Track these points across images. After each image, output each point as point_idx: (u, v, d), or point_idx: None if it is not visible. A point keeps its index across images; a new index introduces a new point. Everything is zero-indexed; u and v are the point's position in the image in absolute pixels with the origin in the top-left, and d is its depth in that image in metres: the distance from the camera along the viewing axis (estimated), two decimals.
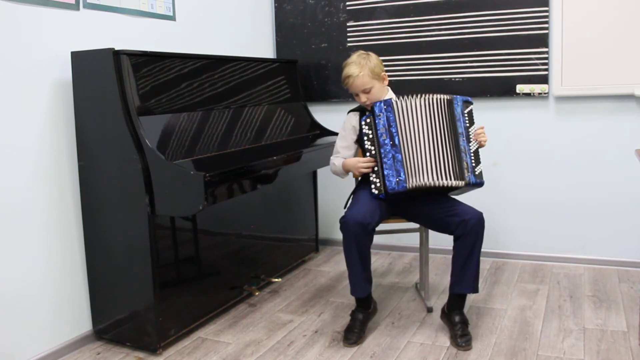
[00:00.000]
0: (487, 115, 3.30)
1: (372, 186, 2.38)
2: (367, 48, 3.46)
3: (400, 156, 2.32)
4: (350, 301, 2.71)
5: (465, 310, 2.49)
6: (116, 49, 2.26)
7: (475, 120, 2.41)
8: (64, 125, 2.35)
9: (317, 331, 2.54)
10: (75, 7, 2.38)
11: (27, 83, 2.20)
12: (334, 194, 3.69)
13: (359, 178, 2.73)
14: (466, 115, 2.38)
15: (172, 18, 2.91)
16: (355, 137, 2.54)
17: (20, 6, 2.16)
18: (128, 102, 2.23)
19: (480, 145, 2.38)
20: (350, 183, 3.03)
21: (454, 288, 2.39)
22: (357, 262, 2.31)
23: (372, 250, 2.37)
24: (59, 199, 2.34)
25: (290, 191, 3.31)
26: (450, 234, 2.36)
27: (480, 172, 2.35)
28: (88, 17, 2.43)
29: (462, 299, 2.40)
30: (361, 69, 2.39)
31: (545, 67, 3.14)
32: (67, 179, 2.37)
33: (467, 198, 2.53)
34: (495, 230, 3.35)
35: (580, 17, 3.04)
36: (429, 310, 2.68)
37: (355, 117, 2.52)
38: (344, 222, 2.27)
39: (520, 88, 3.21)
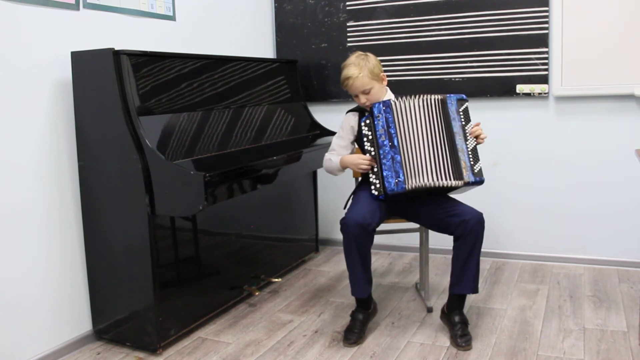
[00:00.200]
0: (487, 115, 3.30)
1: (372, 187, 2.38)
2: (367, 48, 3.47)
3: (399, 157, 2.32)
4: (350, 301, 2.71)
5: (465, 310, 2.49)
6: (116, 49, 2.26)
7: (471, 118, 2.40)
8: (64, 125, 2.35)
9: (317, 331, 2.54)
10: (75, 7, 2.38)
11: (27, 83, 2.20)
12: (334, 194, 3.69)
13: (359, 178, 2.73)
14: (461, 113, 2.37)
15: (172, 18, 2.91)
16: (352, 137, 2.54)
17: (20, 6, 2.16)
18: (128, 102, 2.23)
19: (479, 142, 2.37)
20: (350, 183, 3.04)
21: (453, 288, 2.38)
22: (357, 263, 2.31)
23: (372, 250, 2.37)
24: (59, 199, 2.34)
25: (290, 191, 3.31)
26: (450, 234, 2.36)
27: (480, 169, 2.34)
28: (88, 17, 2.44)
29: (461, 299, 2.40)
30: (360, 70, 2.38)
31: (545, 67, 3.14)
32: (67, 179, 2.37)
33: (467, 198, 2.53)
34: (495, 230, 3.35)
35: (580, 17, 3.04)
36: (429, 310, 2.68)
37: (354, 117, 2.52)
38: (344, 224, 2.27)
39: (520, 88, 3.21)
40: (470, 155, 2.33)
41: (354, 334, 2.39)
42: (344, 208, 2.51)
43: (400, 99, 2.36)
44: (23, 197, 2.20)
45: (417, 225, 2.67)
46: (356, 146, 2.59)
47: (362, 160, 2.37)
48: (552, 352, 2.25)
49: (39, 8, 2.23)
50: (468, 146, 2.34)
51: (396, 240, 3.61)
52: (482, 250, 2.34)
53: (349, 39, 3.58)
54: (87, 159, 2.36)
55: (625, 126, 3.06)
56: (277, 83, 3.26)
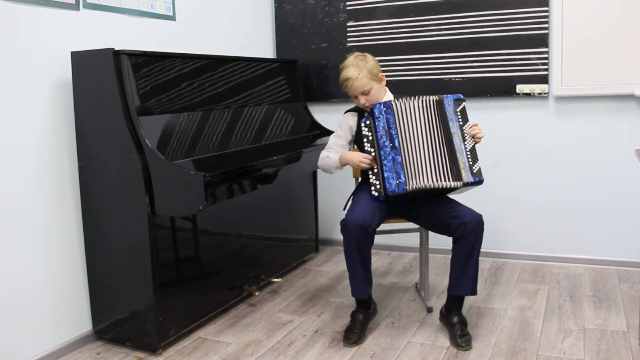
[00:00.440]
0: (487, 115, 3.30)
1: (372, 188, 2.37)
2: (367, 48, 3.47)
3: (400, 158, 2.32)
4: (350, 301, 2.71)
5: (465, 310, 2.49)
6: (116, 49, 2.26)
7: (471, 118, 2.40)
8: (64, 125, 2.35)
9: (317, 331, 2.54)
10: (75, 7, 2.38)
11: (27, 83, 2.20)
12: (334, 194, 3.69)
13: (359, 179, 2.73)
14: (459, 113, 2.37)
15: (172, 18, 2.92)
16: (351, 138, 2.54)
17: (20, 6, 2.16)
18: (128, 102, 2.23)
19: (476, 141, 2.37)
20: (350, 183, 3.04)
21: (452, 290, 2.38)
22: (357, 264, 2.31)
23: (372, 251, 2.36)
24: (59, 199, 2.34)
25: (290, 191, 3.31)
26: (449, 235, 2.36)
27: (479, 169, 2.34)
28: (88, 17, 2.44)
29: (460, 300, 2.40)
30: (359, 71, 2.38)
31: (545, 67, 3.14)
32: (67, 179, 2.37)
33: (466, 198, 2.53)
34: (495, 230, 3.35)
35: (580, 17, 3.04)
36: (429, 310, 2.68)
37: (353, 117, 2.51)
38: (345, 225, 2.27)
39: (520, 88, 3.21)
40: (469, 156, 2.33)
41: (354, 334, 2.39)
42: (344, 209, 2.51)
43: (400, 99, 2.36)
44: (23, 197, 2.20)
45: (417, 225, 2.67)
46: (354, 146, 2.59)
47: (364, 158, 2.37)
48: (552, 352, 2.25)
49: (39, 8, 2.23)
50: (466, 146, 2.34)
51: (396, 240, 3.61)
52: (482, 250, 2.34)
53: (349, 39, 3.58)
54: (87, 159, 2.36)
55: (625, 126, 3.06)
56: (277, 83, 3.26)
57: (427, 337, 2.42)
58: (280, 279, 3.10)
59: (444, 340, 2.38)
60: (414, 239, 3.40)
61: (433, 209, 2.39)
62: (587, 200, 3.20)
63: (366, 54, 2.47)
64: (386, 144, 2.33)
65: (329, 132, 3.36)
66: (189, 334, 2.54)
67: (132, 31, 2.67)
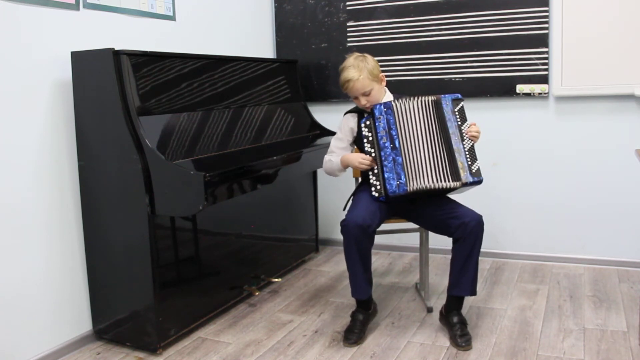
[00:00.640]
0: (487, 115, 3.31)
1: (372, 189, 2.37)
2: (367, 48, 3.47)
3: (400, 159, 2.31)
4: (350, 301, 2.71)
5: (465, 310, 2.49)
6: (116, 49, 2.26)
7: (471, 118, 2.40)
8: (64, 125, 2.35)
9: (317, 331, 2.54)
10: (75, 7, 2.38)
11: (27, 83, 2.20)
12: (334, 194, 3.69)
13: (359, 179, 2.73)
14: (457, 113, 2.36)
15: (172, 18, 2.91)
16: (351, 139, 2.54)
17: (20, 6, 2.16)
18: (128, 102, 2.23)
19: (473, 141, 2.35)
20: (350, 184, 3.03)
21: (452, 290, 2.38)
22: (357, 264, 2.31)
23: (372, 251, 2.36)
24: (59, 199, 2.34)
25: (290, 191, 3.31)
26: (449, 236, 2.36)
27: (478, 169, 2.33)
28: (88, 17, 2.43)
29: (460, 301, 2.40)
30: (360, 72, 2.37)
31: (545, 67, 3.14)
32: (67, 179, 2.37)
33: (467, 199, 2.53)
34: (495, 230, 3.35)
35: (580, 17, 3.04)
36: (429, 310, 2.68)
37: (353, 118, 2.51)
38: (345, 225, 2.27)
39: (520, 88, 3.21)
40: (468, 155, 2.33)
41: (354, 334, 2.39)
42: (344, 209, 2.51)
43: (399, 100, 2.36)
44: (23, 197, 2.20)
45: (417, 225, 2.67)
46: (355, 147, 2.59)
47: (363, 160, 2.37)
48: (552, 352, 2.25)
49: (39, 8, 2.23)
50: (465, 146, 2.33)
51: (396, 240, 3.61)
52: (482, 250, 2.34)
53: (349, 39, 3.58)
54: (87, 159, 2.36)
55: (625, 126, 3.06)
56: (277, 83, 3.26)
57: (427, 337, 2.42)
58: (280, 279, 3.10)
59: (444, 340, 2.38)
60: (414, 239, 3.40)
61: (433, 210, 2.39)
62: (587, 200, 3.20)
63: (366, 54, 2.47)
64: (386, 144, 2.33)
65: (329, 132, 3.37)
66: (189, 334, 2.54)
67: (132, 31, 2.67)
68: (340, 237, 2.32)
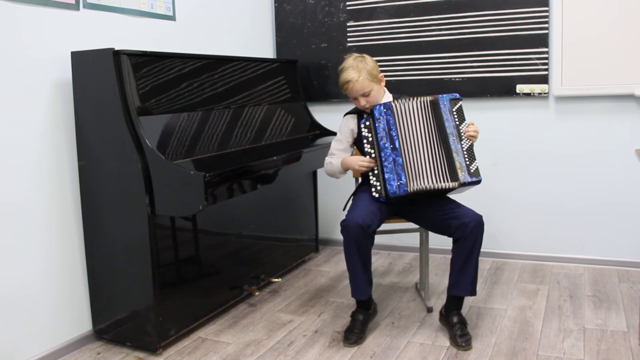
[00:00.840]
0: (487, 115, 3.31)
1: (373, 189, 2.37)
2: (367, 48, 3.47)
3: (401, 160, 2.31)
4: (351, 301, 2.71)
5: (465, 310, 2.49)
6: (116, 49, 2.26)
7: (471, 118, 2.39)
8: (64, 125, 2.35)
9: (317, 331, 2.54)
10: (75, 7, 2.38)
11: (27, 83, 2.20)
12: (334, 194, 3.69)
13: (359, 179, 2.73)
14: (455, 113, 2.36)
15: (172, 18, 2.91)
16: (352, 140, 2.54)
17: (20, 6, 2.16)
18: (128, 102, 2.23)
19: (471, 140, 2.35)
20: (350, 184, 3.03)
21: (451, 290, 2.38)
22: (357, 265, 2.30)
23: (372, 251, 2.36)
24: (59, 199, 2.34)
25: (290, 191, 3.31)
26: (449, 236, 2.36)
27: (476, 169, 2.33)
28: (88, 17, 2.43)
29: (459, 301, 2.40)
30: (359, 73, 2.37)
31: (545, 67, 3.14)
32: (67, 179, 2.37)
33: (467, 199, 2.53)
34: (495, 230, 3.35)
35: (580, 17, 3.04)
36: (429, 310, 2.68)
37: (353, 119, 2.51)
38: (345, 226, 2.27)
39: (520, 88, 3.21)
40: (466, 155, 2.32)
41: (354, 334, 2.39)
42: (343, 209, 2.51)
43: (399, 100, 2.36)
44: (23, 197, 2.20)
45: (417, 226, 2.67)
46: (355, 149, 2.59)
47: (362, 162, 2.37)
48: (552, 352, 2.25)
49: (39, 8, 2.23)
50: (463, 146, 2.33)
51: (396, 240, 3.61)
52: (482, 250, 2.34)
53: (349, 39, 3.58)
54: (87, 159, 2.36)
55: (625, 126, 3.06)
56: (277, 83, 3.26)
57: (427, 337, 2.42)
58: (280, 279, 3.10)
59: (444, 340, 2.38)
60: (414, 239, 3.40)
61: (433, 210, 2.39)
62: (587, 200, 3.20)
63: (365, 55, 2.47)
64: (386, 145, 2.33)
65: (329, 132, 3.37)
66: (189, 334, 2.54)
67: (132, 31, 2.67)
68: (340, 237, 2.32)
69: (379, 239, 2.45)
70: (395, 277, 3.20)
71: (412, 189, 2.30)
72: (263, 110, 3.04)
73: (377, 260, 3.49)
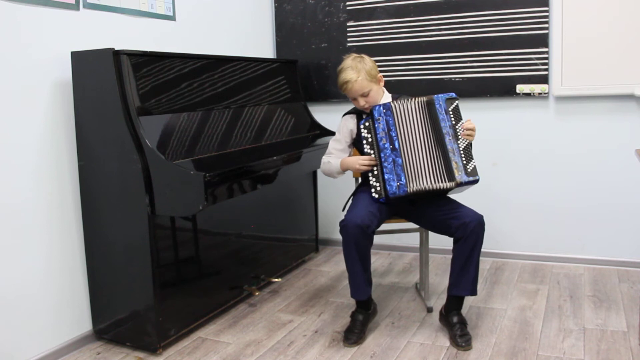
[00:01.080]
0: (487, 115, 3.31)
1: (372, 190, 2.37)
2: (367, 48, 3.47)
3: (400, 160, 2.31)
4: (351, 301, 2.71)
5: (465, 310, 2.49)
6: (116, 49, 2.26)
7: (471, 118, 2.39)
8: (64, 125, 2.35)
9: (317, 331, 2.54)
10: (75, 7, 2.38)
11: (27, 83, 2.20)
12: (334, 194, 3.69)
13: (359, 180, 2.73)
14: (451, 112, 2.35)
15: (172, 18, 2.91)
16: (350, 141, 2.54)
17: (20, 6, 2.16)
18: (128, 102, 2.23)
19: (468, 139, 2.34)
20: (350, 184, 3.03)
21: (452, 290, 2.38)
22: (357, 265, 2.30)
23: (372, 250, 2.36)
24: (59, 199, 2.34)
25: (290, 191, 3.31)
26: (450, 236, 2.36)
27: (474, 168, 2.32)
28: (88, 17, 2.44)
29: (460, 300, 2.40)
30: (358, 73, 2.37)
31: (545, 67, 3.14)
32: (67, 179, 2.37)
33: (466, 198, 2.53)
34: (495, 230, 3.35)
35: (580, 17, 3.04)
36: (429, 310, 2.68)
37: (352, 120, 2.51)
38: (344, 226, 2.27)
39: (520, 88, 3.21)
40: (463, 155, 2.32)
41: (354, 334, 2.39)
42: (343, 210, 2.51)
43: (398, 101, 2.36)
44: (23, 197, 2.20)
45: (417, 225, 2.67)
46: (354, 149, 2.59)
47: (362, 162, 2.37)
48: (552, 352, 2.25)
49: (39, 8, 2.23)
50: (460, 145, 2.32)
51: (396, 240, 3.61)
52: (482, 250, 2.34)
53: (349, 39, 3.58)
54: (87, 159, 2.36)
55: (625, 126, 3.06)
56: (277, 83, 3.26)
57: (427, 337, 2.42)
58: (280, 279, 3.10)
59: (444, 340, 2.38)
60: (414, 239, 3.40)
61: (433, 210, 2.39)
62: (587, 200, 3.20)
63: (363, 55, 2.47)
64: (386, 145, 2.33)
65: (329, 132, 3.37)
66: (189, 334, 2.54)
67: (132, 31, 2.67)
68: (340, 237, 2.32)
69: (378, 239, 2.45)
70: (395, 277, 3.20)
71: (411, 190, 2.30)
72: (263, 110, 3.04)
73: (377, 260, 3.49)
